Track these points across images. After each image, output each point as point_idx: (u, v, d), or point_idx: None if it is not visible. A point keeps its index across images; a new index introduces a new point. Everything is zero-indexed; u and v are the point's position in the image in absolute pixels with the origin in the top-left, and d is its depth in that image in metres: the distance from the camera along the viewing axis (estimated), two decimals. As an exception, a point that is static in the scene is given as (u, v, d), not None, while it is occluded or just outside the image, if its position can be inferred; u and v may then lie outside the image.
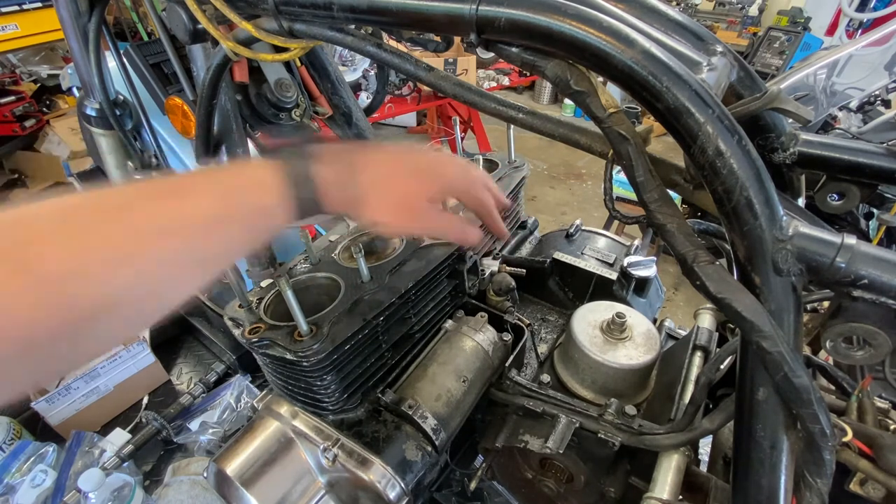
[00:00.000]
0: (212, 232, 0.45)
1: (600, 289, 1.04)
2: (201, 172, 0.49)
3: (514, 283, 0.99)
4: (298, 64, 1.06)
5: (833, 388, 0.69)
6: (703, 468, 0.79)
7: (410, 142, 0.69)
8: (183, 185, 0.45)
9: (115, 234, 0.37)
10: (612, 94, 0.47)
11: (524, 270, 1.03)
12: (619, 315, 0.83)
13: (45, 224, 0.35)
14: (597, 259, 1.12)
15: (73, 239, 0.35)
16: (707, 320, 0.92)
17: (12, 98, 3.47)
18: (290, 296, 0.65)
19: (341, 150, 0.54)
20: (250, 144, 1.04)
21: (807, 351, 0.58)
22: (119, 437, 1.40)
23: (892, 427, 0.58)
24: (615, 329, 0.83)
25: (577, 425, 0.77)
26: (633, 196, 0.48)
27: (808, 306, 0.61)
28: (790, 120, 0.52)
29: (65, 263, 0.34)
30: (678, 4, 5.82)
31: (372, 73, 3.05)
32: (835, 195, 0.57)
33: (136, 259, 0.38)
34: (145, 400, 1.57)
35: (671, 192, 0.50)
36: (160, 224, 0.40)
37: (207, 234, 0.44)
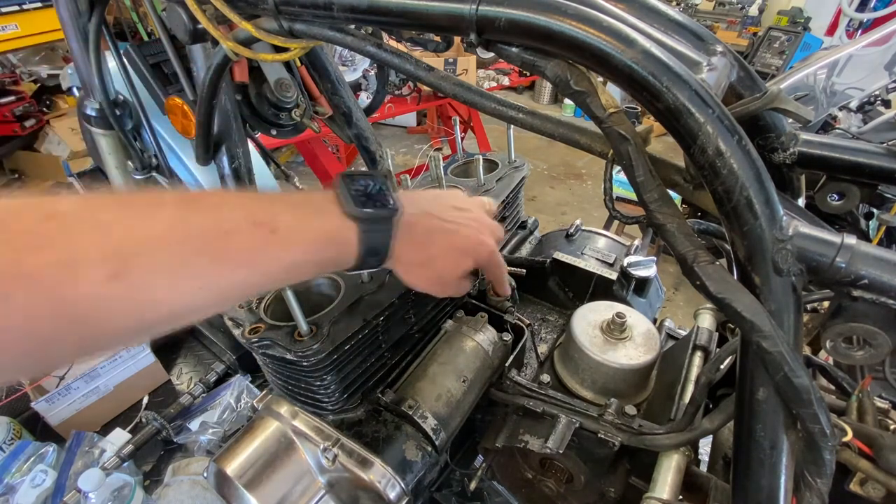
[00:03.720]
0: (282, 277, 0.46)
1: (600, 289, 1.04)
2: (299, 209, 0.47)
3: (514, 282, 0.99)
4: (298, 64, 1.06)
5: (833, 388, 0.69)
6: (703, 468, 0.79)
7: (459, 195, 0.68)
8: (286, 225, 0.44)
9: (210, 266, 0.39)
10: (612, 94, 0.47)
11: (524, 270, 1.02)
12: (619, 315, 0.83)
13: (157, 253, 0.35)
14: (597, 259, 1.12)
15: (174, 264, 0.36)
16: (707, 320, 0.92)
17: (12, 98, 3.47)
18: (290, 296, 0.65)
19: (415, 224, 0.56)
20: (250, 144, 1.04)
21: (807, 351, 0.58)
22: (119, 437, 1.40)
23: (892, 427, 0.58)
24: (615, 329, 0.83)
25: (577, 425, 0.77)
26: (633, 196, 0.48)
27: (808, 306, 0.61)
28: (790, 120, 0.52)
29: (165, 291, 0.36)
30: (678, 4, 5.82)
31: (372, 73, 3.05)
32: (835, 195, 0.57)
33: (214, 289, 0.40)
34: (145, 400, 1.57)
35: (671, 192, 0.50)
36: (250, 264, 0.41)
37: (277, 279, 0.46)
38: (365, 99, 2.95)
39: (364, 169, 0.59)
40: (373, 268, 0.54)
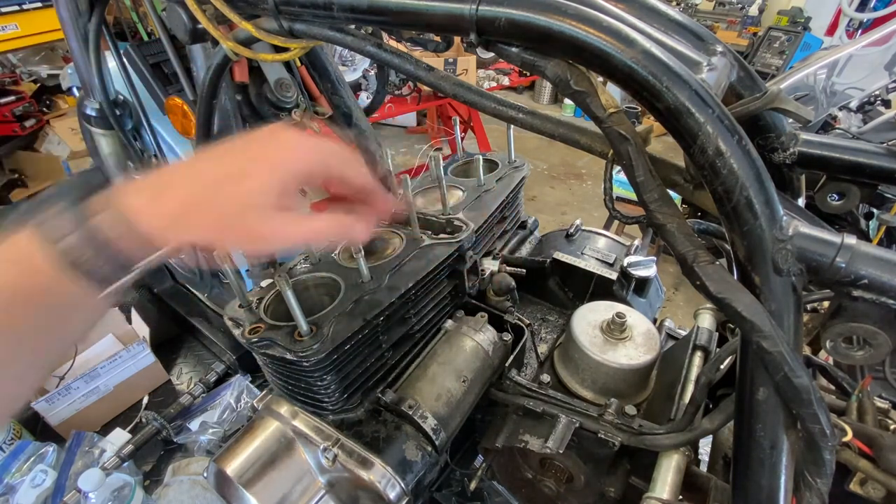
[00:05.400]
0: None
1: (600, 289, 1.04)
2: None
3: (514, 283, 0.99)
4: (298, 64, 1.06)
5: (833, 388, 0.69)
6: (703, 468, 0.79)
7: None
8: None
9: None
10: (612, 94, 0.47)
11: (524, 270, 1.02)
12: (619, 315, 0.83)
13: None
14: (597, 259, 1.12)
15: None
16: (707, 320, 0.92)
17: (12, 98, 3.46)
18: (290, 296, 0.65)
19: (149, 177, 0.42)
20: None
21: (807, 351, 0.58)
22: (119, 437, 1.40)
23: (892, 427, 0.58)
24: (615, 329, 0.83)
25: (577, 425, 0.77)
26: (633, 196, 0.48)
27: (808, 306, 0.61)
28: (790, 120, 0.52)
29: None
30: (678, 4, 5.82)
31: (372, 73, 3.05)
32: (835, 195, 0.57)
33: None
34: (145, 400, 1.57)
35: (671, 192, 0.50)
36: None
37: None
38: (365, 99, 2.95)
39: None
40: (110, 261, 0.40)
